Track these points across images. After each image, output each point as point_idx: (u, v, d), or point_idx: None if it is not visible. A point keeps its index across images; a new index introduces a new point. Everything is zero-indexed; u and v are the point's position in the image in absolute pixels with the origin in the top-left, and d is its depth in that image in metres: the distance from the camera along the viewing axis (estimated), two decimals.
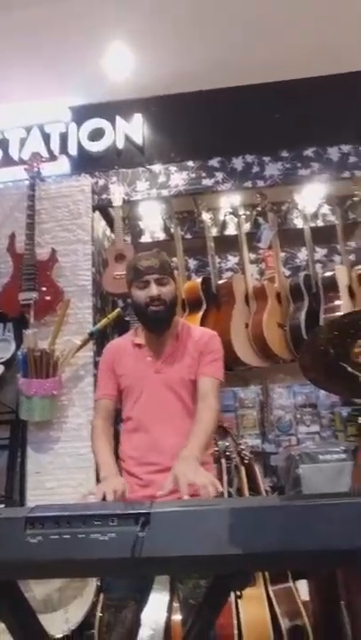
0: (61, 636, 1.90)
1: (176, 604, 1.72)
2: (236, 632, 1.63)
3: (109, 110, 2.86)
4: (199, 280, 2.85)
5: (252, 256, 3.03)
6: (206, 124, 2.82)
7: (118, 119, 2.85)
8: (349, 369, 1.53)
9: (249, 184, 2.82)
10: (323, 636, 1.46)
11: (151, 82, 2.74)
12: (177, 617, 1.69)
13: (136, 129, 2.85)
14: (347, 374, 1.55)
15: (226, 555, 0.82)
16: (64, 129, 2.86)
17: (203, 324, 2.63)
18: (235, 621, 1.67)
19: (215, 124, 2.82)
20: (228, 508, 0.88)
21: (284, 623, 1.65)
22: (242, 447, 2.37)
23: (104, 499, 1.27)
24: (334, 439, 2.74)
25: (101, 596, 1.76)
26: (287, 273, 2.99)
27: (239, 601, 1.73)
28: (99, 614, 1.70)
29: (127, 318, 2.81)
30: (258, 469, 2.29)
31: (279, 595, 1.77)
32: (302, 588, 1.81)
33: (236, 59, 2.58)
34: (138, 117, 2.86)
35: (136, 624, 1.39)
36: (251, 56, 2.61)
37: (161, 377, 1.56)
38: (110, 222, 2.95)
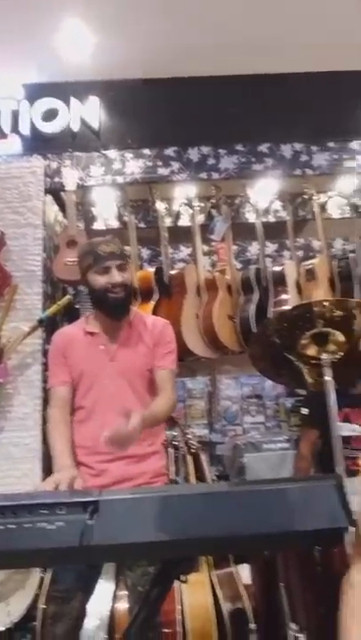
0: (3, 629, 1.86)
1: (121, 593, 1.73)
2: (179, 617, 1.66)
3: (65, 90, 2.77)
4: (152, 270, 2.84)
5: (205, 248, 3.05)
6: (164, 112, 2.80)
7: (74, 101, 2.76)
8: (294, 360, 1.59)
9: (204, 175, 2.83)
10: (263, 616, 1.52)
11: (110, 65, 2.67)
12: (121, 605, 1.70)
13: (92, 112, 2.78)
14: (293, 365, 1.61)
15: (175, 540, 0.83)
16: (16, 106, 2.74)
17: (154, 313, 2.62)
18: (178, 607, 1.70)
19: (173, 113, 2.80)
20: (178, 494, 0.89)
21: (226, 607, 1.69)
22: (189, 437, 2.40)
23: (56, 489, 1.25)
24: (278, 429, 2.84)
25: (44, 588, 1.73)
26: (238, 266, 3.04)
27: (182, 586, 1.76)
28: (42, 606, 1.67)
29: (77, 306, 2.75)
30: (204, 459, 2.33)
31: (221, 579, 1.81)
32: (243, 572, 1.87)
33: (197, 48, 2.56)
34: (94, 100, 2.79)
35: (82, 614, 1.38)
36: (212, 47, 2.59)
37: (115, 365, 1.54)
38: (62, 207, 2.86)
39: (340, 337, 1.43)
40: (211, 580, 1.79)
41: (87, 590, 1.41)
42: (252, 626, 1.54)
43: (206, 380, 2.97)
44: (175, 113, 2.80)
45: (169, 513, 0.85)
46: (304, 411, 2.38)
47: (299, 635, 1.31)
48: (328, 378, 1.40)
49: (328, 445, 2.30)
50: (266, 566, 1.52)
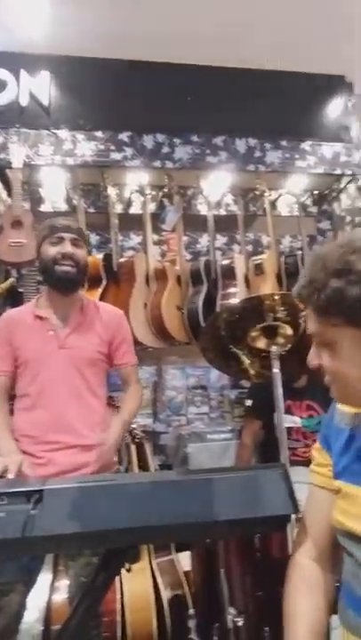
0: None
1: (58, 584, 1.70)
2: (118, 606, 1.66)
3: (15, 61, 2.64)
4: (100, 256, 2.78)
5: (156, 237, 3.03)
6: (120, 95, 2.74)
7: (23, 73, 2.63)
8: (240, 353, 1.61)
9: (158, 164, 2.80)
10: (202, 602, 1.54)
11: (65, 40, 2.56)
12: (59, 597, 1.66)
13: (42, 87, 2.66)
14: (238, 357, 1.63)
15: (122, 529, 0.81)
16: None
17: (102, 300, 2.56)
18: (117, 596, 1.69)
19: (129, 97, 2.74)
20: (125, 483, 0.87)
21: (166, 594, 1.71)
22: (133, 426, 2.38)
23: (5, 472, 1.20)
24: (222, 420, 2.89)
25: None
26: (188, 257, 3.04)
27: (123, 575, 1.76)
28: None
29: (21, 290, 2.64)
30: (148, 448, 2.33)
31: (162, 567, 1.83)
32: (184, 560, 1.89)
33: (159, 32, 2.51)
34: (45, 75, 2.67)
35: (22, 608, 1.33)
36: (175, 35, 2.55)
37: (65, 352, 1.49)
38: (7, 185, 2.73)
39: (289, 330, 1.47)
40: (151, 568, 1.80)
41: (29, 583, 1.36)
42: (191, 611, 1.56)
43: (152, 369, 2.96)
44: (131, 97, 2.74)
45: (116, 502, 0.83)
46: (248, 402, 2.43)
47: (237, 619, 1.34)
48: (276, 370, 1.44)
49: (270, 436, 2.39)
50: (207, 553, 1.54)
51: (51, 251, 1.51)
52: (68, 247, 1.51)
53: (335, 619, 0.87)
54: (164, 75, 2.79)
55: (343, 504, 0.81)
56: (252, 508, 0.84)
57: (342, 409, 0.89)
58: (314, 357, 0.81)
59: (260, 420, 2.38)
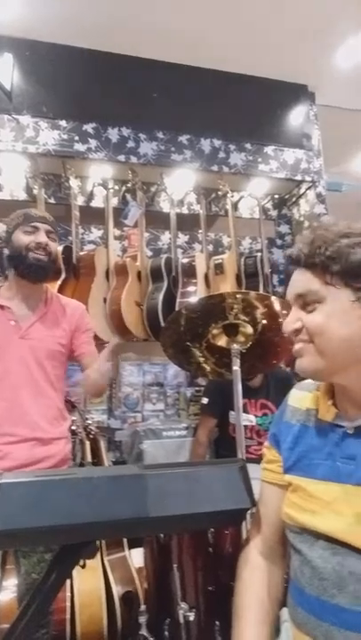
0: None
1: (6, 583, 1.65)
2: (68, 604, 1.63)
3: None
4: (60, 248, 2.72)
5: (117, 232, 3.00)
6: (86, 85, 2.69)
7: None
8: (194, 350, 1.62)
9: (122, 158, 2.78)
10: (154, 598, 1.54)
11: (32, 23, 2.49)
12: (5, 596, 1.61)
13: (5, 70, 2.57)
14: (194, 354, 1.65)
15: (81, 524, 0.80)
16: None
17: (60, 293, 2.50)
18: (68, 594, 1.66)
19: (96, 88, 2.70)
20: (84, 477, 0.86)
21: (117, 590, 1.70)
22: (89, 422, 2.35)
23: None
24: (177, 417, 2.90)
25: None
26: (149, 253, 3.03)
27: (74, 573, 1.73)
28: None
29: None
30: (103, 444, 2.30)
31: (114, 563, 1.81)
32: (136, 556, 1.89)
33: (131, 26, 2.50)
34: (8, 57, 2.58)
35: None
36: (146, 29, 2.54)
37: (25, 343, 1.46)
38: None
39: (249, 329, 1.50)
40: (103, 565, 1.78)
41: None
42: (143, 607, 1.56)
43: (108, 364, 2.93)
44: (98, 88, 2.71)
45: (74, 496, 0.82)
46: (204, 400, 2.45)
47: (188, 613, 1.35)
48: (236, 368, 1.46)
49: (224, 433, 2.43)
50: (160, 549, 1.55)
51: (25, 239, 1.50)
52: (42, 237, 1.51)
53: (284, 612, 0.89)
54: (132, 69, 2.77)
55: (293, 497, 0.83)
56: (211, 502, 0.85)
57: (294, 405, 0.92)
58: (293, 321, 0.80)
59: (215, 418, 2.41)
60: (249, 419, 2.16)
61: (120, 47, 2.69)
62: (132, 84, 2.76)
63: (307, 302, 0.78)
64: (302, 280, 0.79)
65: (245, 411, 2.23)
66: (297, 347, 0.81)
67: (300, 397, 0.92)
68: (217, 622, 1.40)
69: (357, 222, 0.80)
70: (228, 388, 2.37)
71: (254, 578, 0.89)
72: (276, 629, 0.87)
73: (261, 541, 0.92)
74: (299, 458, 0.85)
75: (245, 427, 2.26)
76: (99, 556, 1.81)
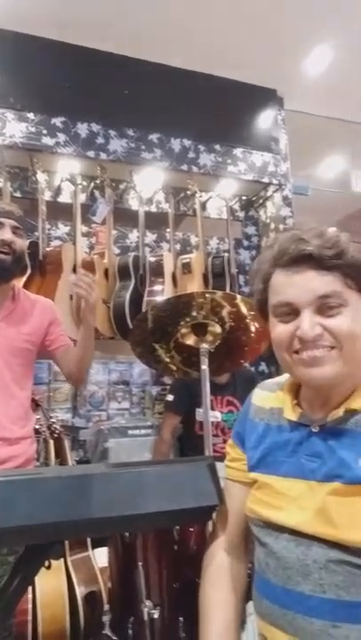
0: None
1: None
2: (30, 606, 1.60)
3: None
4: (26, 244, 2.66)
5: (85, 229, 2.97)
6: (56, 78, 2.65)
7: None
8: (159, 349, 1.63)
9: (91, 154, 2.75)
10: (118, 597, 1.54)
11: (3, 12, 2.42)
12: None
13: None
14: (159, 353, 1.65)
15: (46, 524, 0.79)
16: None
17: (25, 289, 2.45)
18: (29, 595, 1.64)
19: (66, 82, 2.66)
20: (49, 476, 0.85)
21: (80, 591, 1.68)
22: (53, 421, 2.31)
23: None
24: (142, 415, 2.90)
25: None
26: (117, 251, 3.02)
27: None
28: None
29: None
30: (67, 443, 2.27)
31: (77, 564, 1.79)
32: (100, 556, 1.88)
33: (102, 20, 2.47)
34: None
35: None
36: (118, 24, 2.52)
37: None
38: None
39: (218, 328, 1.52)
40: (66, 565, 1.76)
41: None
42: (106, 607, 1.55)
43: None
44: (68, 82, 2.66)
45: (41, 496, 0.81)
46: (169, 397, 2.46)
47: (153, 611, 1.35)
48: (205, 367, 1.47)
49: (189, 431, 2.45)
50: (124, 548, 1.54)
51: None
52: (7, 234, 1.44)
53: (250, 605, 0.91)
54: (104, 64, 2.74)
55: (258, 494, 0.85)
56: (179, 499, 0.86)
57: (258, 404, 0.94)
58: (313, 326, 0.74)
59: (179, 415, 2.43)
60: (215, 415, 2.19)
61: (92, 42, 2.66)
62: (104, 79, 2.73)
63: (330, 305, 0.75)
64: (323, 281, 0.74)
65: (211, 407, 2.24)
66: (318, 354, 0.75)
67: (264, 397, 0.94)
68: (181, 618, 1.40)
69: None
70: (195, 385, 2.40)
71: (220, 576, 0.91)
72: (242, 623, 0.89)
73: (226, 538, 0.94)
74: (263, 455, 0.87)
75: (211, 424, 2.28)
76: (61, 556, 1.78)
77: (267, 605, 0.79)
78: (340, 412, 0.78)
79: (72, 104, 2.68)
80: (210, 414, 2.35)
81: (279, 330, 0.78)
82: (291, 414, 0.85)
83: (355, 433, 0.76)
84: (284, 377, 0.94)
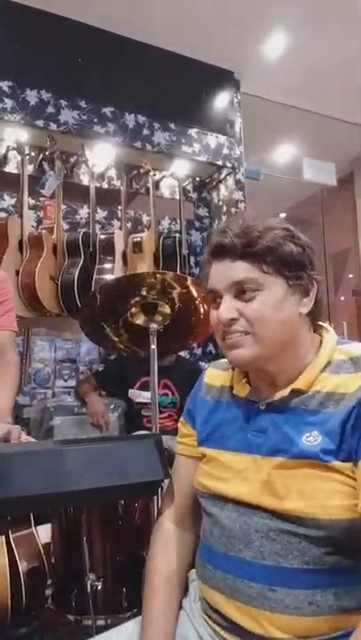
0: None
1: None
2: None
3: None
4: None
5: (32, 201, 2.86)
6: (3, 39, 2.50)
7: None
8: (107, 328, 1.62)
9: (41, 123, 2.64)
10: (62, 571, 1.56)
11: None
12: None
13: None
14: (107, 332, 1.65)
15: None
16: None
17: None
18: None
19: (13, 43, 2.52)
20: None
21: (22, 566, 1.67)
22: None
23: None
24: None
25: None
26: (66, 227, 2.94)
27: None
28: None
29: None
30: (10, 421, 2.23)
31: (19, 540, 1.78)
32: (42, 532, 1.87)
33: None
34: None
35: None
36: None
37: None
38: None
39: (167, 309, 1.53)
40: (8, 542, 1.74)
41: None
42: (49, 582, 1.57)
43: (19, 339, 2.82)
44: (17, 44, 2.52)
45: None
46: (100, 367, 2.52)
47: (96, 583, 1.38)
48: (154, 347, 1.49)
49: (130, 409, 2.51)
50: (68, 523, 1.56)
51: None
52: None
53: (192, 573, 0.96)
54: (57, 29, 2.62)
55: (207, 467, 0.89)
56: (127, 475, 0.89)
57: (209, 382, 0.98)
58: (230, 310, 0.80)
59: (95, 384, 2.52)
60: (145, 395, 2.25)
61: (46, 3, 2.52)
62: (56, 45, 2.61)
63: (243, 291, 0.80)
64: (239, 269, 0.80)
65: (147, 388, 2.28)
66: (234, 338, 0.81)
67: (215, 375, 0.98)
68: (124, 589, 1.45)
69: (274, 217, 0.85)
70: (131, 365, 2.46)
71: (167, 547, 0.94)
72: (185, 589, 0.93)
73: (174, 510, 0.97)
74: (212, 431, 0.90)
75: (147, 403, 2.33)
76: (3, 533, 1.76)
77: (209, 570, 0.84)
78: (286, 391, 0.81)
79: (20, 68, 2.55)
80: (143, 394, 2.42)
81: (212, 315, 0.85)
82: (240, 391, 0.89)
83: (299, 410, 0.80)
84: None
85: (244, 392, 0.89)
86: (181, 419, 1.02)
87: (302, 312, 0.82)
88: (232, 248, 0.80)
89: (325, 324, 0.89)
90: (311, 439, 0.76)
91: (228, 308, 0.80)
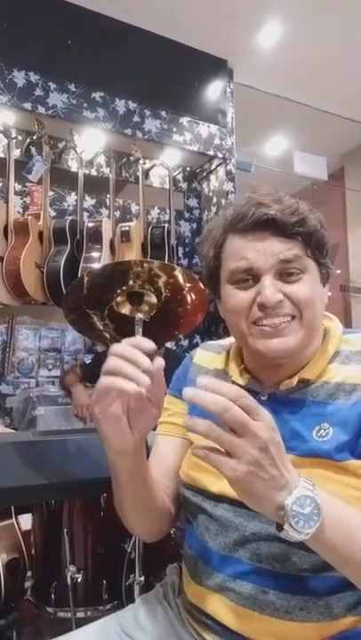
0: None
1: None
2: None
3: None
4: None
5: (18, 187, 2.80)
6: None
7: None
8: (94, 317, 1.59)
9: (28, 106, 2.58)
10: (42, 563, 1.53)
11: None
12: None
13: None
14: (94, 321, 1.62)
15: None
16: None
17: None
18: None
19: (1, 22, 2.44)
20: None
21: (2, 558, 1.65)
22: None
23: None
24: None
25: None
26: (53, 214, 2.88)
27: None
28: None
29: None
30: None
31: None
32: (23, 522, 1.85)
33: None
34: None
35: None
36: None
37: None
38: None
39: (154, 299, 1.50)
40: None
41: None
42: (29, 573, 1.55)
43: (2, 328, 2.77)
44: (5, 23, 2.45)
45: None
46: (87, 359, 2.49)
47: (76, 575, 1.37)
48: (139, 336, 1.45)
49: None
50: (49, 514, 1.53)
51: None
52: None
53: (170, 568, 0.93)
54: (47, 8, 2.54)
55: (192, 458, 0.81)
56: (107, 467, 0.86)
57: (200, 364, 0.91)
58: (276, 291, 0.72)
59: (79, 376, 2.48)
60: None
61: None
62: (46, 25, 2.54)
63: (290, 272, 0.73)
64: (286, 247, 0.73)
65: None
66: (280, 324, 0.72)
67: (208, 358, 0.91)
68: (105, 581, 1.43)
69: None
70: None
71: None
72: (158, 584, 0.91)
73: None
74: (204, 417, 0.82)
75: None
76: None
77: (201, 566, 0.79)
78: (293, 381, 0.76)
79: (7, 48, 2.47)
80: None
81: (239, 297, 0.75)
82: (239, 379, 0.82)
83: (307, 402, 0.74)
84: (228, 340, 0.92)
85: (244, 380, 0.81)
86: (169, 397, 0.93)
87: (325, 301, 0.78)
88: (283, 224, 0.72)
89: (329, 314, 0.85)
90: (323, 433, 0.71)
91: (274, 289, 0.72)
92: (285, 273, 0.73)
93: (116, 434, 0.67)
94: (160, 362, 0.66)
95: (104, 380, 0.65)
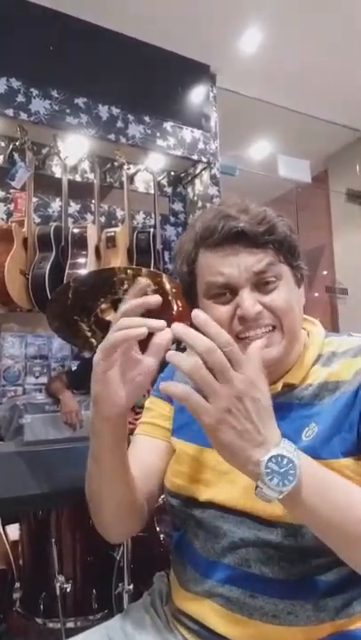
0: None
1: None
2: None
3: None
4: None
5: (1, 194, 2.78)
6: None
7: None
8: (81, 324, 1.59)
9: (10, 112, 2.56)
10: (30, 573, 1.52)
11: None
12: None
13: None
14: (81, 328, 1.61)
15: None
16: None
17: None
18: None
19: None
20: None
21: None
22: None
23: None
24: None
25: None
26: (37, 220, 2.87)
27: None
28: None
29: None
30: None
31: None
32: (10, 532, 1.83)
33: None
34: None
35: None
36: None
37: None
38: None
39: None
40: None
41: None
42: (17, 584, 1.53)
43: None
44: None
45: None
46: (73, 366, 2.46)
47: (65, 585, 1.36)
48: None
49: None
50: (37, 524, 1.52)
51: None
52: None
53: (157, 576, 0.92)
54: (28, 14, 2.53)
55: (180, 467, 0.81)
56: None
57: None
58: (254, 303, 0.72)
59: (68, 388, 2.46)
60: None
61: None
62: (27, 31, 2.53)
63: (266, 281, 0.73)
64: (257, 258, 0.73)
65: None
66: (262, 335, 0.73)
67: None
68: (94, 590, 1.42)
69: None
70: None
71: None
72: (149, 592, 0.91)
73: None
74: (188, 422, 0.81)
75: None
76: None
77: (190, 573, 0.79)
78: (278, 386, 0.76)
79: None
80: None
81: (219, 312, 0.74)
82: None
83: (294, 406, 0.75)
84: None
85: None
86: (152, 398, 0.92)
87: (303, 302, 0.79)
88: (253, 235, 0.72)
89: (311, 318, 0.85)
90: (310, 433, 0.71)
91: (253, 301, 0.72)
92: (261, 283, 0.74)
93: (109, 396, 0.66)
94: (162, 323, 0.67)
95: (116, 334, 0.64)
